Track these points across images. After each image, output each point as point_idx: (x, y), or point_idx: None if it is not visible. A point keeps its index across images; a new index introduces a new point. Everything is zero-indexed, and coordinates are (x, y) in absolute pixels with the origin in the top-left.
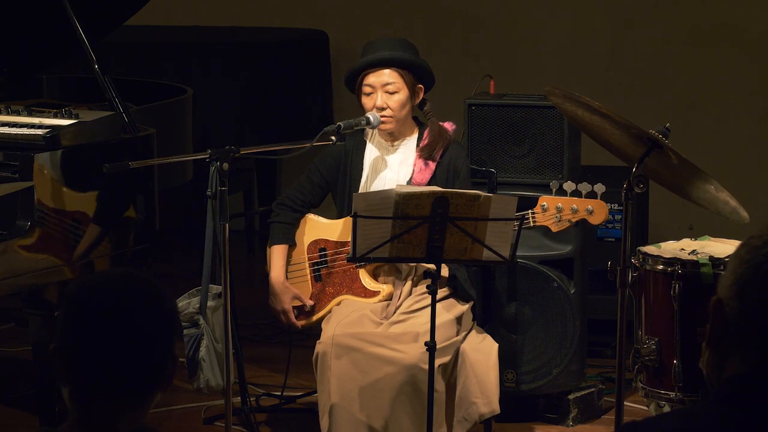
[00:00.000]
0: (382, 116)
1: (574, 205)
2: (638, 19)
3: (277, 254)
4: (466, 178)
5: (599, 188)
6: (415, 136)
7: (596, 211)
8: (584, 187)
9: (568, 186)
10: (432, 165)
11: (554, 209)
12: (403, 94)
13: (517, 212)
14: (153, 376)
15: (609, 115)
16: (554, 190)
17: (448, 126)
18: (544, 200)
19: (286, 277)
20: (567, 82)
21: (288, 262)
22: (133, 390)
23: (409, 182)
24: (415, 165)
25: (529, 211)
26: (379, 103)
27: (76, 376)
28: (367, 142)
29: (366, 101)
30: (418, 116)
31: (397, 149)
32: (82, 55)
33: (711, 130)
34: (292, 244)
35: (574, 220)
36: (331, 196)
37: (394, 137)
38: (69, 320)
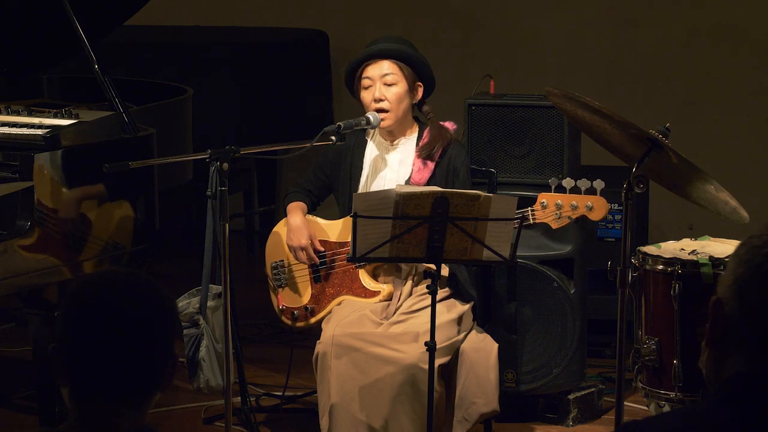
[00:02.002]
0: (379, 109)
1: (574, 202)
2: (638, 19)
3: (293, 206)
4: (465, 178)
5: (598, 184)
6: (415, 135)
7: (596, 208)
8: (583, 184)
9: (567, 183)
10: (431, 165)
11: (554, 206)
12: (401, 87)
13: (516, 211)
14: (152, 376)
15: (609, 115)
16: (553, 187)
17: (449, 125)
18: (544, 197)
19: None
20: (567, 82)
21: (288, 262)
22: (132, 390)
23: (408, 182)
24: (413, 164)
25: (529, 208)
26: (377, 94)
27: (76, 376)
28: (368, 140)
29: (365, 95)
30: (419, 116)
31: (396, 148)
32: (82, 55)
33: (711, 130)
34: (309, 209)
35: (574, 217)
36: (333, 194)
37: (393, 136)
38: (68, 320)
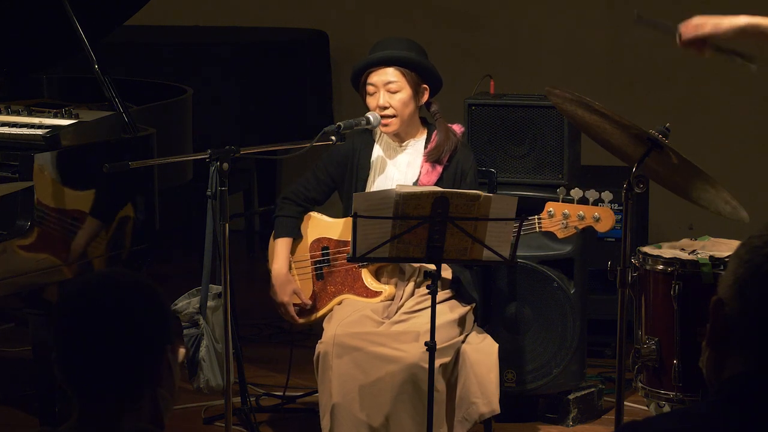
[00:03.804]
0: (384, 116)
1: (581, 212)
2: None
3: (280, 247)
4: (472, 181)
5: (606, 196)
6: (423, 137)
7: (603, 219)
8: (591, 195)
9: (575, 193)
10: (439, 168)
11: (561, 215)
12: (405, 94)
13: (517, 213)
14: (148, 376)
15: (609, 115)
16: (561, 196)
17: (457, 128)
18: (551, 206)
19: (289, 270)
20: (567, 82)
21: (291, 259)
22: (127, 389)
23: (416, 184)
24: (422, 167)
25: (536, 216)
26: (381, 102)
27: (71, 377)
28: (375, 141)
29: (369, 101)
30: (427, 117)
31: (404, 150)
32: (82, 55)
33: (711, 130)
34: (296, 238)
35: (580, 227)
36: (338, 194)
37: (401, 138)
38: (57, 323)
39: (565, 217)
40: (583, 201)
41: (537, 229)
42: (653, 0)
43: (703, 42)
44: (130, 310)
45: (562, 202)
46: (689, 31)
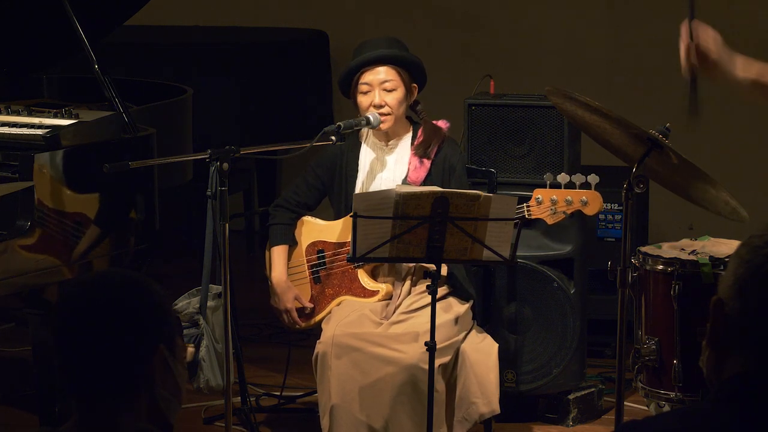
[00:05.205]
0: (380, 113)
1: (569, 197)
2: (638, 19)
3: (277, 255)
4: (461, 174)
5: (593, 179)
6: (409, 135)
7: (591, 202)
8: (578, 179)
9: (562, 178)
10: (427, 163)
11: (549, 201)
12: (400, 92)
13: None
14: (142, 375)
15: (609, 115)
16: (548, 182)
17: (442, 124)
18: (539, 193)
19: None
20: (567, 82)
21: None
22: (126, 389)
23: (405, 180)
24: (410, 163)
25: (524, 204)
26: (377, 100)
27: (71, 377)
28: (362, 143)
29: (363, 100)
30: (411, 115)
31: (392, 149)
32: (82, 55)
33: (711, 130)
34: (291, 244)
35: (569, 212)
36: (328, 197)
37: (388, 137)
38: (57, 321)
39: (553, 203)
40: (570, 186)
41: (526, 216)
42: (652, 0)
43: (704, 59)
44: (130, 310)
45: (550, 188)
46: (706, 40)
